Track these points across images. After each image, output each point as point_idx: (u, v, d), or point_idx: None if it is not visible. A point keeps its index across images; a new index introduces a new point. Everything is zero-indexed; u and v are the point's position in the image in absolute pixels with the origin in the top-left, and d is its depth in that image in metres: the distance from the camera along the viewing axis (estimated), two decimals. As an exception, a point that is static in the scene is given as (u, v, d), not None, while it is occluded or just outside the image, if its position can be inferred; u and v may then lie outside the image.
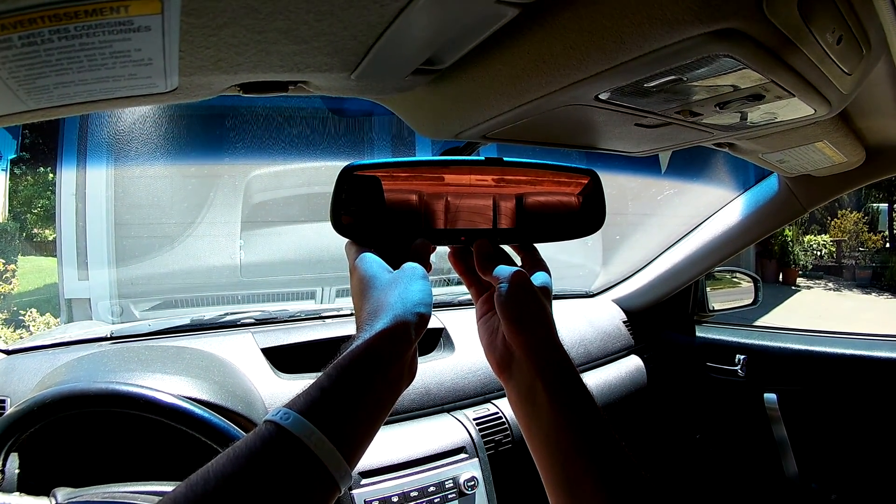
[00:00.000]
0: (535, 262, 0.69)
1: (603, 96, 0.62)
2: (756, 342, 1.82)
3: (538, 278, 0.65)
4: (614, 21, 0.48)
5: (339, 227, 0.63)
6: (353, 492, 1.16)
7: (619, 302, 2.09)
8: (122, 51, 0.47)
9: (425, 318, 0.55)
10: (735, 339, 1.87)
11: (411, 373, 0.57)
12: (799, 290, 10.50)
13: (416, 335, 0.54)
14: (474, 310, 0.70)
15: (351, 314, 1.49)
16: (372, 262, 0.60)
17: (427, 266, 0.61)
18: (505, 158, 0.69)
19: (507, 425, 1.42)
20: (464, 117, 0.73)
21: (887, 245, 11.01)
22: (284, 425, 0.45)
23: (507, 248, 0.71)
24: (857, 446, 1.64)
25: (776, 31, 0.46)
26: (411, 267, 0.59)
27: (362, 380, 0.50)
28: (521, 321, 0.60)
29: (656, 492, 0.52)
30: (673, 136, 0.82)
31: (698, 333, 1.98)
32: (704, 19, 0.45)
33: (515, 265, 0.66)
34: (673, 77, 0.55)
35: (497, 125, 0.73)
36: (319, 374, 0.50)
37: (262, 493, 0.42)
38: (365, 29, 0.50)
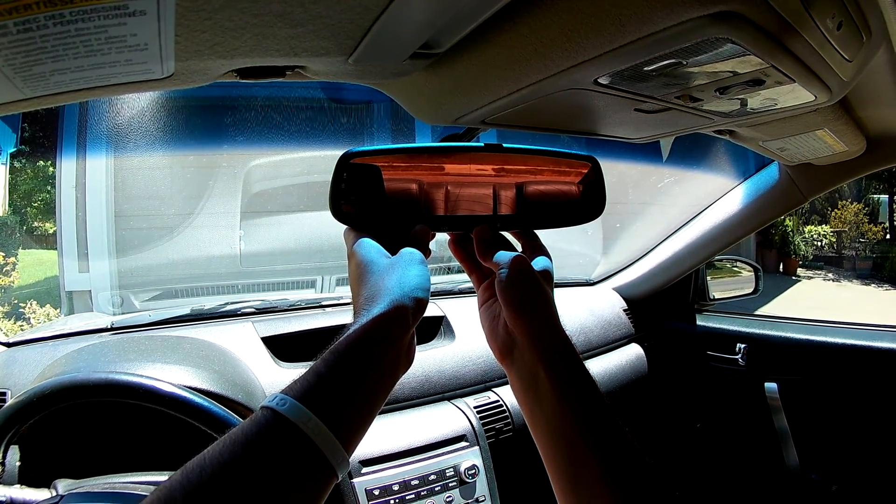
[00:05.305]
0: (536, 248, 0.69)
1: (602, 80, 0.61)
2: (757, 331, 1.81)
3: (539, 263, 0.65)
4: (613, 3, 0.48)
5: (339, 214, 0.63)
6: (354, 480, 1.16)
7: (619, 290, 2.09)
8: (117, 36, 0.46)
9: (423, 302, 0.55)
10: (736, 328, 1.87)
11: (409, 358, 0.56)
12: (799, 281, 10.51)
13: (413, 320, 0.54)
14: (475, 298, 0.69)
15: (350, 303, 1.49)
16: (370, 247, 0.59)
17: (426, 252, 0.61)
18: (505, 145, 0.69)
19: (507, 413, 1.43)
20: (462, 102, 0.72)
21: (887, 236, 11.00)
22: (281, 411, 0.45)
23: (507, 234, 0.70)
24: (857, 437, 1.64)
25: (776, 14, 0.46)
26: (409, 252, 0.58)
27: (359, 365, 0.49)
28: (522, 306, 0.60)
29: (661, 478, 0.52)
30: (673, 122, 0.82)
31: (699, 322, 1.98)
32: (704, 1, 0.44)
33: (516, 251, 0.66)
34: (673, 61, 0.55)
35: (496, 110, 0.72)
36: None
37: (259, 480, 0.42)
38: (361, 11, 0.50)
